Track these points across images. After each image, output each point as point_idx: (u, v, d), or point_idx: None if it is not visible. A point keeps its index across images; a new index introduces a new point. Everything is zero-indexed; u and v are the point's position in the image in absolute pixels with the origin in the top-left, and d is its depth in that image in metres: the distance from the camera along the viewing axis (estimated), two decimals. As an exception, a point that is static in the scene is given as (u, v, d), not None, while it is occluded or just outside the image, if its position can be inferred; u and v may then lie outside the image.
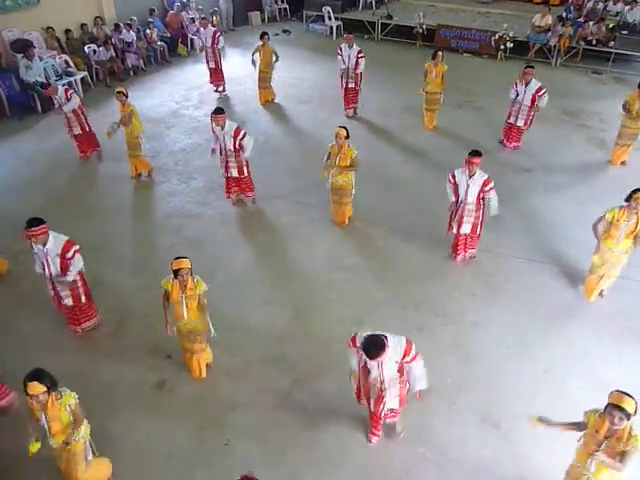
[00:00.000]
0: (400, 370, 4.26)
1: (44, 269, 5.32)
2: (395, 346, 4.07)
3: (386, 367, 4.15)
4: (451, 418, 5.08)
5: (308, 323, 6.04)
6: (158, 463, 4.73)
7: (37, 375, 3.77)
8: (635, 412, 3.50)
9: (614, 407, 3.50)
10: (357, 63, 10.13)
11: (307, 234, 7.55)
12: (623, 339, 5.86)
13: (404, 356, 4.13)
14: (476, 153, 6.17)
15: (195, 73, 12.87)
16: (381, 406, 4.45)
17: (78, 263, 5.35)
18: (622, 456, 3.54)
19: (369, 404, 4.55)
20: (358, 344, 4.09)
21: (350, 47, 10.10)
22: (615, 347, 5.78)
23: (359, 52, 10.09)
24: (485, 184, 6.25)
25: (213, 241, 7.44)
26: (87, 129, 9.02)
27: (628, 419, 3.49)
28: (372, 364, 4.12)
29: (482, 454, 4.78)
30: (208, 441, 4.92)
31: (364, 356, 4.01)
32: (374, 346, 3.91)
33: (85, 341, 5.89)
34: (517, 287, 6.61)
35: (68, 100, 8.52)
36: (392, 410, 4.58)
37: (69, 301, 5.57)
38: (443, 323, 6.12)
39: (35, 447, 3.94)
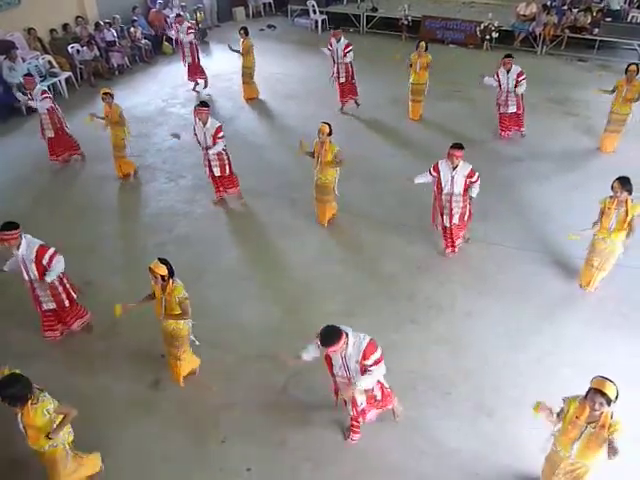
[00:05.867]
0: (363, 373, 4.17)
1: (22, 273, 5.27)
2: (354, 344, 4.02)
3: (350, 364, 4.12)
4: (446, 408, 5.11)
5: (301, 318, 6.03)
6: (155, 463, 4.72)
7: (6, 383, 3.70)
8: (616, 398, 3.52)
9: (596, 392, 3.53)
10: (344, 55, 10.09)
11: (297, 229, 7.53)
12: (613, 324, 5.92)
13: (364, 358, 4.05)
14: (458, 146, 6.15)
15: (181, 71, 12.71)
16: (355, 407, 4.44)
17: (57, 266, 5.24)
18: (609, 445, 3.54)
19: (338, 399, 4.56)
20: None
21: (338, 41, 10.06)
22: (606, 333, 5.83)
23: (347, 45, 10.04)
24: (470, 175, 6.25)
25: (203, 239, 7.41)
26: (60, 133, 8.83)
27: (609, 404, 3.52)
28: (336, 359, 4.14)
29: (478, 444, 4.80)
30: (205, 440, 4.91)
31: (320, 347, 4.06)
32: (328, 335, 3.92)
33: (78, 343, 5.86)
34: (508, 276, 6.64)
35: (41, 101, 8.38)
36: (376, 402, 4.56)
37: (51, 305, 5.51)
38: (436, 314, 6.14)
39: None
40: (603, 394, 3.49)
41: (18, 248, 5.10)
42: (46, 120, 8.60)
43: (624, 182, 5.59)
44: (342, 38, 10.07)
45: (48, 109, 8.49)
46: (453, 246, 6.83)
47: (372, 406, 4.57)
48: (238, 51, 11.07)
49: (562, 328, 5.92)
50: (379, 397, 4.52)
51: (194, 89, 12.07)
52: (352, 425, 4.71)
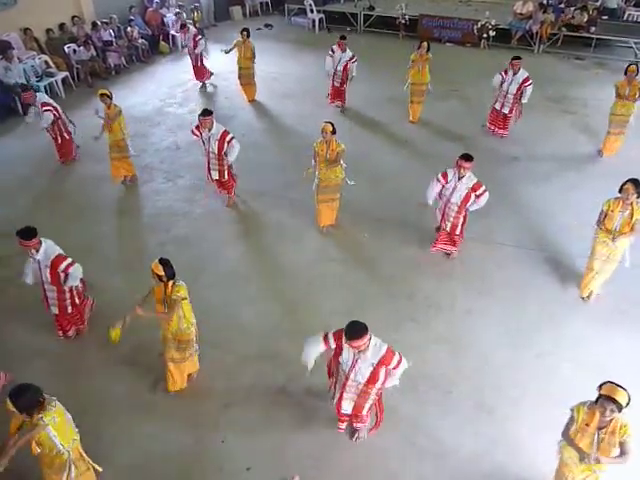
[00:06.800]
0: (371, 379, 4.14)
1: (36, 274, 5.34)
2: (375, 347, 3.99)
3: (359, 365, 4.08)
4: (446, 407, 5.11)
5: (300, 318, 6.03)
6: (156, 463, 4.71)
7: (17, 395, 3.66)
8: (627, 404, 3.49)
9: (607, 399, 3.49)
10: (346, 68, 10.19)
11: (296, 229, 7.52)
12: (613, 321, 5.94)
13: (383, 363, 4.04)
14: (467, 157, 6.08)
15: (178, 70, 12.75)
16: (342, 403, 4.42)
17: (75, 274, 5.33)
18: (621, 448, 3.54)
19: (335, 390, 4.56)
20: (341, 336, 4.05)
21: (343, 51, 10.14)
22: (605, 329, 5.85)
23: (351, 58, 10.16)
24: (475, 188, 6.18)
25: (203, 239, 7.39)
26: (60, 140, 8.82)
27: (619, 411, 3.49)
28: (346, 355, 4.10)
29: (478, 442, 4.81)
30: (204, 440, 4.90)
31: (344, 339, 3.98)
32: (355, 329, 3.86)
33: (77, 344, 5.84)
34: (508, 275, 6.65)
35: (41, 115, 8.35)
36: (356, 416, 4.54)
37: (54, 309, 5.59)
38: (436, 313, 6.14)
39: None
40: (614, 401, 3.46)
41: (37, 252, 5.19)
42: (50, 128, 8.60)
43: (637, 184, 5.43)
44: (347, 50, 10.14)
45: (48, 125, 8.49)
46: (442, 244, 6.84)
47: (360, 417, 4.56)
48: (231, 49, 11.07)
49: (562, 327, 5.93)
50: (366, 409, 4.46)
51: (203, 85, 12.08)
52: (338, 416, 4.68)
